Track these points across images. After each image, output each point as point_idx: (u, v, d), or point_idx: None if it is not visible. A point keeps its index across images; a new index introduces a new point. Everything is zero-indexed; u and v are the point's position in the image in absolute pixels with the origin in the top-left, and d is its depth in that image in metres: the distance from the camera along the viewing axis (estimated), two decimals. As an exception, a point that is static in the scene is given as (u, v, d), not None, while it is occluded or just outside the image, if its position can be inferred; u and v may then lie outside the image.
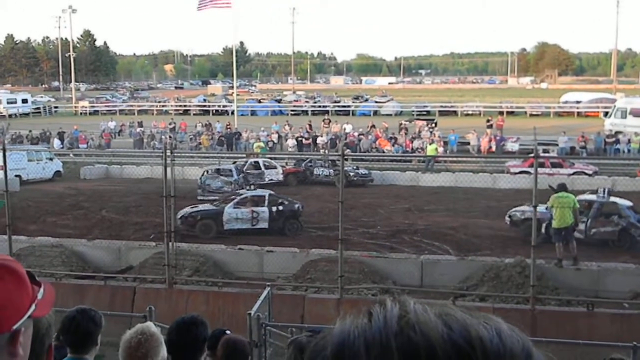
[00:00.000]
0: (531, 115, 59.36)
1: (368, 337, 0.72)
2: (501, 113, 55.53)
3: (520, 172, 25.61)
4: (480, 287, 14.01)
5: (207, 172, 25.50)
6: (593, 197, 18.16)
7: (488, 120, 45.94)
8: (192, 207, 20.13)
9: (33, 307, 1.30)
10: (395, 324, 0.72)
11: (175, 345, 3.93)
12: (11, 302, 1.24)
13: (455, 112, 62.40)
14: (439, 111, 60.88)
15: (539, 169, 13.53)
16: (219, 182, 24.84)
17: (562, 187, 15.36)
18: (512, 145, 36.62)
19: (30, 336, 1.34)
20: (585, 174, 26.93)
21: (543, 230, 17.57)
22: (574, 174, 26.19)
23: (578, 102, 62.15)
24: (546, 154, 30.00)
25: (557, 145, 35.72)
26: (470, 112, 61.61)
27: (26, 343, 1.31)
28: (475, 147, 37.52)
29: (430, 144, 35.28)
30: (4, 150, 15.27)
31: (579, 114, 59.03)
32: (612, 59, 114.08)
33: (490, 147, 37.01)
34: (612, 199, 17.59)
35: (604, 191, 18.00)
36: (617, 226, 17.49)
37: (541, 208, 18.36)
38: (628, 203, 18.21)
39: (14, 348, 1.26)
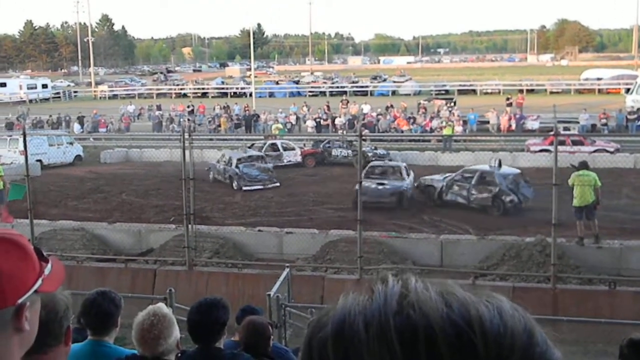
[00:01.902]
0: (551, 92, 58.64)
1: (368, 315, 0.71)
2: (521, 91, 54.92)
3: (541, 151, 25.37)
4: (500, 267, 13.95)
5: (225, 158, 25.16)
6: (485, 167, 20.33)
7: (508, 99, 45.50)
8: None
9: (39, 281, 1.29)
10: (395, 302, 0.72)
11: (194, 325, 3.96)
12: (16, 275, 1.23)
13: (474, 91, 61.92)
14: (458, 90, 60.30)
15: (559, 147, 13.39)
16: (255, 170, 24.50)
17: (584, 165, 15.19)
18: (532, 124, 36.27)
19: (38, 312, 1.33)
20: (607, 151, 26.62)
21: (436, 196, 20.20)
22: (595, 151, 25.91)
23: (599, 79, 61.26)
24: (567, 132, 29.70)
25: (578, 122, 35.31)
26: (489, 91, 61.13)
27: (33, 319, 1.30)
28: (495, 126, 37.20)
29: (448, 124, 35.02)
30: (25, 135, 15.42)
31: (600, 91, 58.24)
32: (633, 35, 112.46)
33: (510, 126, 36.70)
34: (504, 169, 19.63)
35: (495, 162, 19.93)
36: (490, 193, 19.05)
37: (438, 177, 20.71)
38: (510, 172, 19.86)
39: (20, 323, 1.26)
